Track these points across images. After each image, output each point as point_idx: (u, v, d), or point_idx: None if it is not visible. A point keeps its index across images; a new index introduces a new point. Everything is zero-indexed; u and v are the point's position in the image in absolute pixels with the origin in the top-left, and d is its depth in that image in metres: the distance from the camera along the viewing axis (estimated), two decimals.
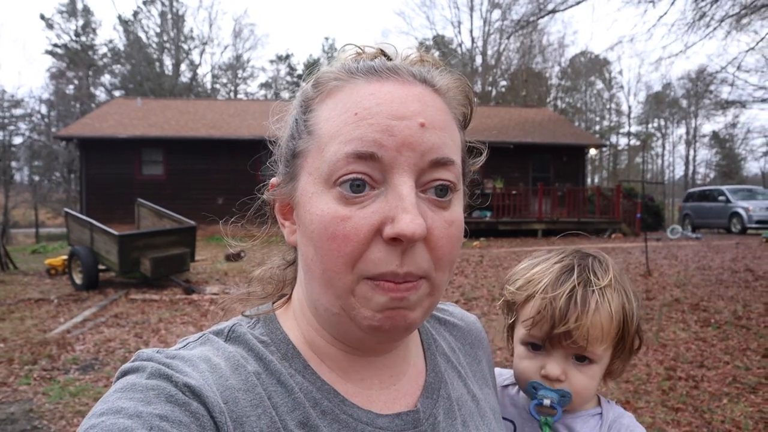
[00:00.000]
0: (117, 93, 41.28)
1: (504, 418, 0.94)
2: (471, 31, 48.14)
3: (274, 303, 0.76)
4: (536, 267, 1.00)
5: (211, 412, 0.56)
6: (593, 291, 0.92)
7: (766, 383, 4.46)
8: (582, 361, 0.94)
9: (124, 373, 0.59)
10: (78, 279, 9.44)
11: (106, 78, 45.28)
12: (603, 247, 12.50)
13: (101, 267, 9.53)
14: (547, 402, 0.92)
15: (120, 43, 44.94)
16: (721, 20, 11.82)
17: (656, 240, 16.26)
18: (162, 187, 19.61)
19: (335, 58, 0.73)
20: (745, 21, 12.10)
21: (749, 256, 11.69)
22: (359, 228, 0.59)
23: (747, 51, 14.20)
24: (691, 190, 25.42)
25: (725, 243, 14.76)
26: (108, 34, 69.74)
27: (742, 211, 18.75)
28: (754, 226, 18.15)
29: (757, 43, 13.87)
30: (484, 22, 42.98)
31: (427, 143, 0.61)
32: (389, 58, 0.71)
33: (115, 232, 8.94)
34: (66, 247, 12.74)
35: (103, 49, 44.69)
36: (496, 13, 41.12)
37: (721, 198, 20.07)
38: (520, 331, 0.98)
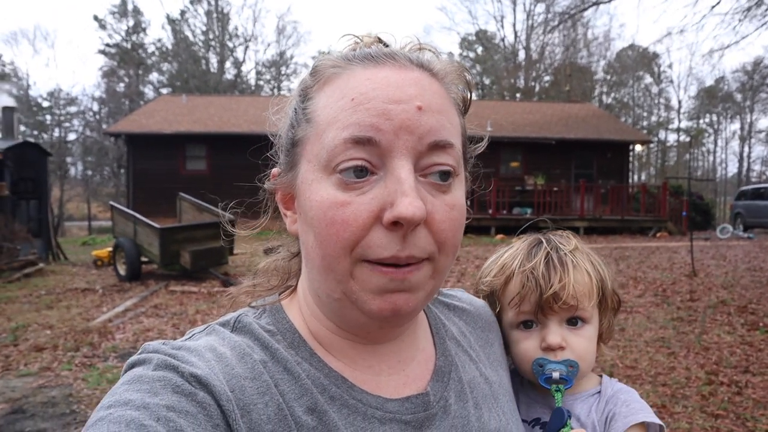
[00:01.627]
0: (164, 90, 42.48)
1: None
2: (514, 25, 47.51)
3: (280, 294, 0.77)
4: (504, 254, 1.02)
5: (218, 401, 0.56)
6: (565, 254, 0.95)
7: None
8: (575, 324, 0.94)
9: (131, 366, 0.59)
10: (122, 270, 9.76)
11: (154, 76, 46.66)
12: (647, 246, 12.19)
13: (144, 259, 9.82)
14: (556, 375, 0.90)
15: (168, 41, 46.28)
16: None
17: (704, 239, 15.69)
18: (206, 182, 20.07)
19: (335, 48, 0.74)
20: None
21: None
22: (358, 214, 0.59)
23: None
24: (744, 187, 24.38)
25: None
26: (156, 33, 72.01)
27: None
28: None
29: None
30: (528, 15, 42.27)
31: (424, 126, 0.60)
32: (387, 46, 0.70)
33: (157, 225, 9.20)
34: (112, 240, 13.20)
35: (152, 48, 46.07)
36: (540, 7, 40.35)
37: None
38: (508, 316, 0.97)
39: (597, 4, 13.15)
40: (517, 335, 0.96)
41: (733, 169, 51.58)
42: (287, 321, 0.71)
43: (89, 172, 43.39)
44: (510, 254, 1.00)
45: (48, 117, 43.21)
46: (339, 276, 0.61)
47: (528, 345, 0.94)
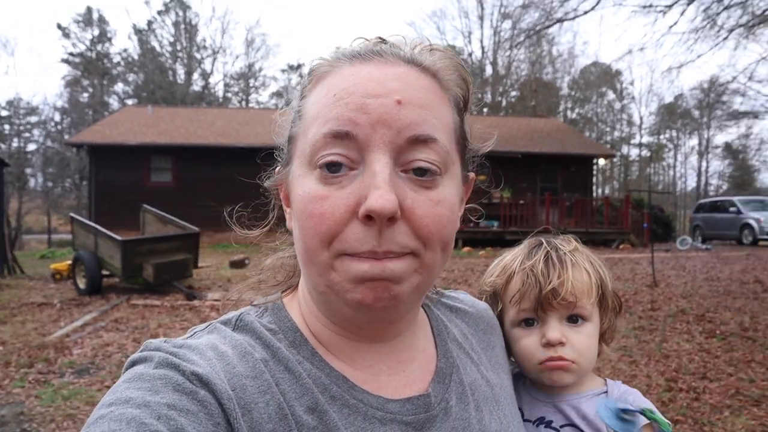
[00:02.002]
0: (130, 101, 41.78)
1: None
2: (481, 41, 48.29)
3: (282, 292, 0.77)
4: (506, 257, 1.04)
5: (219, 399, 0.56)
6: (564, 253, 0.97)
7: None
8: (575, 322, 0.95)
9: (133, 364, 0.59)
10: (81, 284, 9.47)
11: (119, 86, 45.83)
12: (610, 258, 12.43)
13: (105, 272, 9.56)
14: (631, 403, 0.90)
15: (134, 52, 45.56)
16: (731, 30, 11.73)
17: (665, 251, 16.09)
18: (171, 194, 19.72)
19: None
20: (756, 31, 11.99)
21: (759, 267, 11.52)
22: (335, 208, 0.59)
23: (758, 61, 14.08)
24: (702, 200, 25.19)
25: (735, 254, 14.58)
26: (122, 44, 70.68)
27: (753, 222, 18.57)
28: (765, 237, 17.95)
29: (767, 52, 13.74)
30: (495, 32, 43.05)
31: (403, 120, 0.60)
32: (391, 45, 0.69)
33: (119, 237, 8.98)
34: (72, 253, 12.82)
35: (117, 58, 45.31)
36: (507, 23, 41.15)
37: (732, 209, 19.89)
38: (510, 314, 0.98)
39: (561, 21, 13.47)
40: (519, 333, 0.97)
41: (692, 183, 53.25)
42: (289, 320, 0.71)
43: (50, 184, 42.20)
44: (511, 255, 1.03)
45: (6, 126, 41.94)
46: (320, 269, 0.61)
47: (528, 342, 0.95)
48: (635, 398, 0.95)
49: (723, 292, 8.73)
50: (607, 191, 47.85)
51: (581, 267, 0.96)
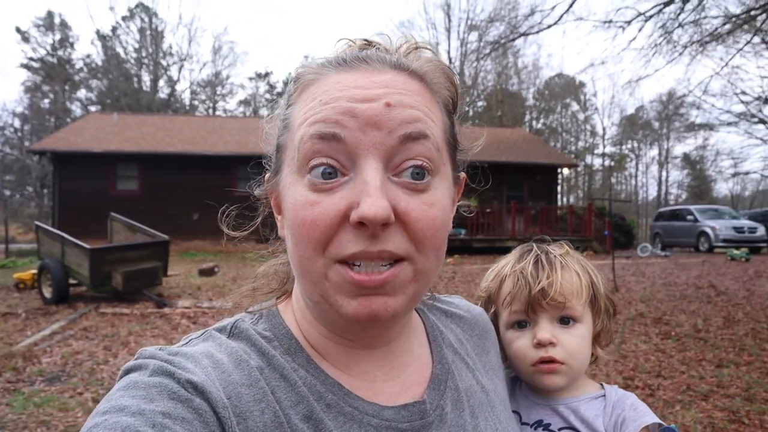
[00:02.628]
0: (93, 108, 40.92)
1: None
2: (448, 52, 48.82)
3: (277, 299, 0.77)
4: (500, 263, 1.07)
5: (215, 407, 0.56)
6: (554, 256, 1.00)
7: (717, 391, 4.63)
8: (567, 323, 0.97)
9: (127, 371, 0.59)
10: (47, 293, 9.32)
11: (82, 93, 44.94)
12: None
13: (72, 281, 9.44)
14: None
15: (98, 58, 44.75)
16: (686, 46, 12.32)
17: (626, 258, 16.61)
18: (137, 203, 19.47)
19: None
20: (708, 47, 12.61)
21: (713, 273, 12.04)
22: (326, 213, 0.59)
23: (711, 76, 14.76)
24: (662, 209, 26.05)
25: (692, 261, 15.15)
26: (86, 49, 69.39)
27: (709, 230, 19.31)
28: (720, 244, 18.68)
29: (721, 68, 14.47)
30: (461, 43, 43.75)
31: (394, 120, 0.60)
32: (376, 48, 0.71)
33: (87, 246, 8.89)
34: (36, 262, 12.55)
35: (80, 64, 44.41)
36: (473, 35, 41.92)
37: (689, 217, 20.67)
38: (503, 316, 1.00)
39: (525, 34, 13.90)
40: (512, 335, 0.99)
41: (653, 192, 54.92)
42: (284, 326, 0.71)
43: (8, 192, 40.99)
44: (504, 261, 1.06)
45: None
46: (314, 278, 0.61)
47: (521, 343, 0.97)
48: (633, 401, 0.97)
49: (679, 296, 9.14)
50: (572, 200, 48.97)
51: (571, 269, 0.98)
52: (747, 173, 35.39)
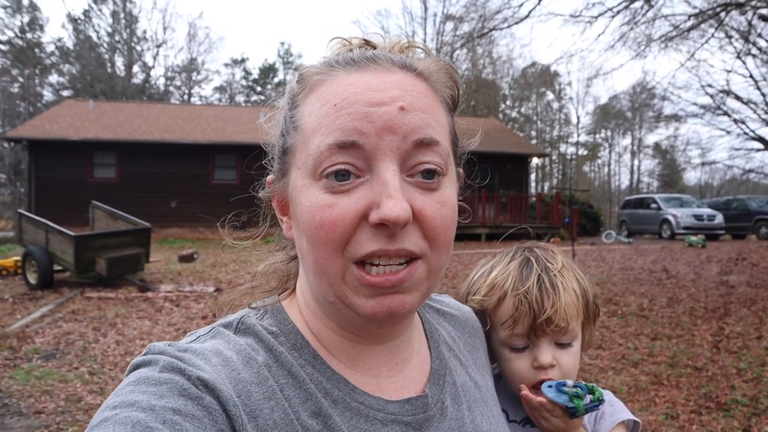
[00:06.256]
0: (65, 93, 40.46)
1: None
2: (424, 41, 49.05)
3: (279, 295, 0.78)
4: (493, 271, 1.05)
5: (225, 405, 0.56)
6: (555, 275, 1.00)
7: (647, 360, 5.28)
8: (565, 345, 1.00)
9: (137, 366, 0.59)
10: (32, 279, 9.65)
11: (53, 77, 44.26)
12: None
13: (56, 267, 9.78)
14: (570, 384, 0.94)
15: (69, 42, 44.07)
16: (652, 40, 12.96)
17: (591, 244, 17.38)
18: (115, 190, 19.63)
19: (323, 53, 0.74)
20: (674, 42, 13.27)
21: (669, 258, 12.79)
22: (345, 213, 0.59)
23: (677, 69, 15.43)
24: (628, 197, 26.94)
25: (653, 247, 15.92)
26: (56, 32, 67.96)
27: (671, 218, 20.17)
28: (681, 231, 19.52)
29: (686, 61, 15.22)
30: (437, 33, 44.13)
31: (408, 125, 0.61)
32: (375, 48, 0.72)
33: (71, 233, 9.24)
34: (14, 249, 12.76)
35: (51, 47, 43.68)
36: (449, 25, 42.33)
37: (653, 205, 21.55)
38: (500, 335, 1.01)
39: (495, 29, 14.42)
40: (509, 355, 1.00)
41: (625, 180, 56.00)
42: (289, 322, 0.72)
43: None
44: (500, 272, 1.04)
45: None
46: (331, 279, 0.62)
47: (521, 365, 0.99)
48: (609, 398, 1.02)
49: (633, 279, 9.83)
50: (546, 188, 49.87)
51: (570, 289, 0.99)
52: (713, 163, 36.57)
